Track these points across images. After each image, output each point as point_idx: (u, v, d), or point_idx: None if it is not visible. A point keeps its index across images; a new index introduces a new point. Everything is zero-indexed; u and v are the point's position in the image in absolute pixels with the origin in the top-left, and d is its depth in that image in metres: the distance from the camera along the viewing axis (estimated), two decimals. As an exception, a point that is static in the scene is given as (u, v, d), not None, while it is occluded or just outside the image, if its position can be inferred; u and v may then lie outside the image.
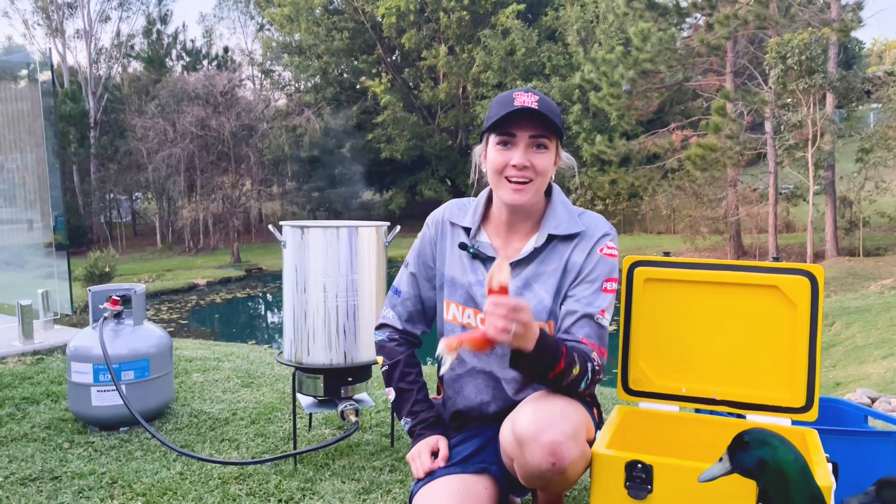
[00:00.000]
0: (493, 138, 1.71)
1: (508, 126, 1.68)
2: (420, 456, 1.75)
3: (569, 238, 1.75)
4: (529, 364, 1.55)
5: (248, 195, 26.82)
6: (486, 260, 1.79)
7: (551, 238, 1.74)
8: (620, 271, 1.89)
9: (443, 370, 1.60)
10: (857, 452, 1.91)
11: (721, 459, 1.31)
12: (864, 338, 9.50)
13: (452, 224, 1.87)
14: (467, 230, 1.83)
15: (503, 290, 1.49)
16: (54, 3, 30.34)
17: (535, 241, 1.75)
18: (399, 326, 1.90)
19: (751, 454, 1.25)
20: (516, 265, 1.74)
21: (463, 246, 1.81)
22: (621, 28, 20.17)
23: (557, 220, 1.76)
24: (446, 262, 1.86)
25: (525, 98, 1.67)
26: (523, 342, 1.50)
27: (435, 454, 1.76)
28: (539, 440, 1.50)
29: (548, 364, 1.56)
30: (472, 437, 1.81)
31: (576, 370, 1.59)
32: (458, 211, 1.89)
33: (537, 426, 1.51)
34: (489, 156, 1.74)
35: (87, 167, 28.54)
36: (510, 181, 1.69)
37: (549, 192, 1.81)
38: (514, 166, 1.67)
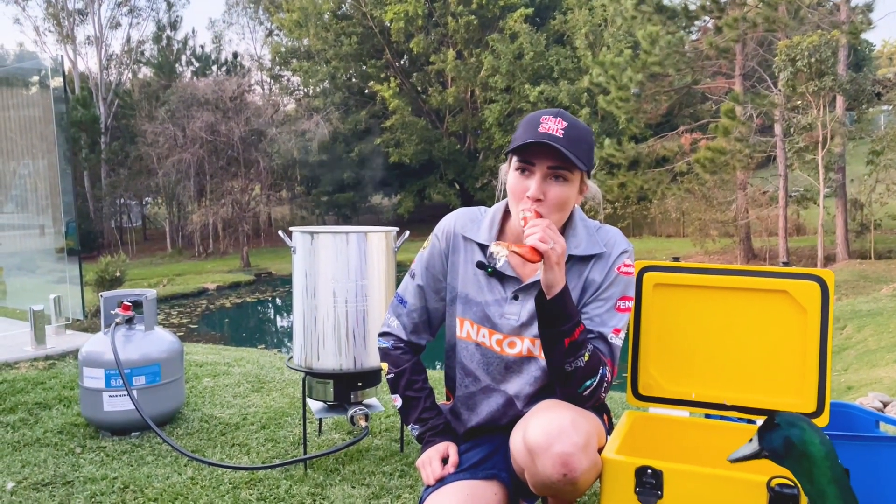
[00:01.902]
0: (514, 161, 1.68)
1: (528, 154, 1.63)
2: (430, 462, 1.75)
3: (588, 257, 1.72)
4: (554, 307, 1.55)
5: (258, 200, 26.92)
6: (505, 279, 1.75)
7: (570, 258, 1.69)
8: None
9: (498, 265, 1.60)
10: (868, 458, 1.91)
11: (751, 440, 1.31)
12: (877, 341, 9.44)
13: (465, 238, 1.81)
14: (482, 246, 1.78)
15: (538, 216, 1.59)
16: (65, 9, 30.60)
17: None
18: (404, 337, 1.87)
19: (778, 434, 1.25)
20: (535, 285, 1.69)
21: (481, 265, 1.76)
22: (629, 31, 20.17)
23: (577, 241, 1.73)
24: (459, 278, 1.81)
25: (551, 124, 1.61)
26: (558, 273, 1.54)
27: (445, 460, 1.76)
28: (550, 451, 1.48)
29: (567, 320, 1.56)
30: (482, 443, 1.81)
31: (587, 356, 1.58)
32: (470, 223, 1.83)
33: (548, 437, 1.49)
34: (509, 179, 1.70)
35: (98, 172, 28.74)
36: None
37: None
38: (528, 197, 1.63)
